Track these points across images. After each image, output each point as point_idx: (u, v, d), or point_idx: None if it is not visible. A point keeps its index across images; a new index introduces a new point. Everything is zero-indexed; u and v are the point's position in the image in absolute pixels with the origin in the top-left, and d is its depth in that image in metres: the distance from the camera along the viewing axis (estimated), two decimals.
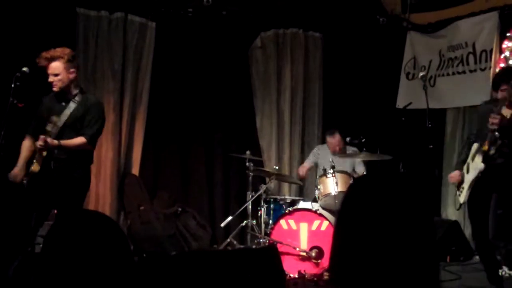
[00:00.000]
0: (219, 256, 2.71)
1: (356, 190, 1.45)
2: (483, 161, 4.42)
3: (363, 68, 7.47)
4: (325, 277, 5.16)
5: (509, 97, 4.32)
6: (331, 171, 5.62)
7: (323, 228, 5.41)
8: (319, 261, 5.33)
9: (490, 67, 6.33)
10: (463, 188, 4.71)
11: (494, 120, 4.26)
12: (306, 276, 5.19)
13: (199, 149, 7.11)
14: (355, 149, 6.36)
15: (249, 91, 7.35)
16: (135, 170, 6.65)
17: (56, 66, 4.45)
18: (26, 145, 4.59)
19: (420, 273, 1.32)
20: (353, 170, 6.33)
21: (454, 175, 4.75)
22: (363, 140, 6.28)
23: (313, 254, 5.33)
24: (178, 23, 6.86)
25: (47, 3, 6.05)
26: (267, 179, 6.51)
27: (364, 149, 6.18)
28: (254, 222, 6.02)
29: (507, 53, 6.19)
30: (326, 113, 7.51)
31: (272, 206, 6.00)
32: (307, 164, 6.61)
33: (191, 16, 6.80)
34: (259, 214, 6.05)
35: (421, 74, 4.90)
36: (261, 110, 7.35)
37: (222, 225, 6.08)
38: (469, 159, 4.65)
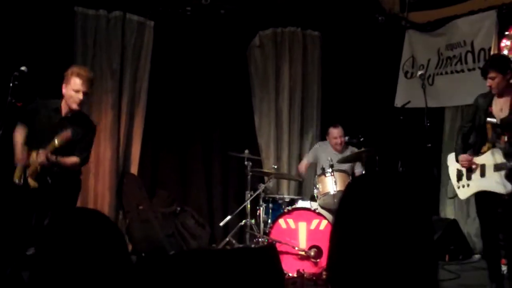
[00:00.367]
0: (218, 255, 2.71)
1: (354, 189, 1.45)
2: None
3: (362, 67, 7.48)
4: (324, 276, 5.17)
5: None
6: (330, 170, 5.62)
7: (321, 227, 5.41)
8: (317, 260, 5.33)
9: None
10: (468, 185, 4.67)
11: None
12: (305, 275, 5.19)
13: (198, 148, 7.11)
14: (354, 148, 6.37)
15: (248, 90, 7.35)
16: (134, 169, 6.65)
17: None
18: (21, 132, 4.53)
19: (419, 272, 1.32)
20: (352, 171, 6.34)
21: (465, 159, 4.64)
22: (361, 139, 6.28)
23: (312, 253, 5.33)
24: (176, 22, 6.85)
25: (45, 2, 6.04)
26: (265, 178, 6.52)
27: (363, 147, 6.19)
28: (253, 221, 6.02)
29: (505, 52, 6.20)
30: (325, 112, 7.51)
31: (271, 205, 6.01)
32: (306, 160, 6.62)
33: (189, 15, 6.80)
34: (258, 213, 6.05)
35: (419, 72, 4.90)
36: (259, 109, 7.35)
37: (221, 224, 6.08)
38: (489, 163, 4.51)
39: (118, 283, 1.45)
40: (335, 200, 5.58)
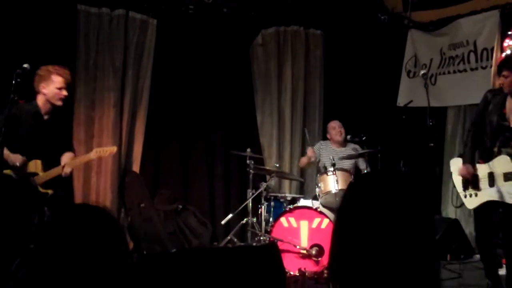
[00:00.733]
0: (219, 253, 2.71)
1: (356, 188, 1.45)
2: None
3: (364, 66, 7.47)
4: (325, 275, 5.17)
5: None
6: (332, 169, 5.63)
7: (323, 226, 5.41)
8: (319, 259, 5.33)
9: (491, 66, 6.32)
10: (476, 195, 4.52)
11: None
12: (307, 274, 5.20)
13: (200, 146, 7.11)
14: (356, 146, 6.37)
15: (250, 89, 7.35)
16: (136, 167, 6.65)
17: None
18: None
19: (421, 271, 1.32)
20: (356, 167, 6.34)
21: (467, 170, 4.52)
22: (363, 138, 6.29)
23: (314, 252, 5.33)
24: (179, 21, 6.85)
25: (48, 0, 6.05)
26: (267, 177, 6.52)
27: (365, 146, 6.19)
28: (255, 219, 6.02)
29: (508, 52, 6.19)
30: (327, 110, 7.50)
31: (272, 203, 6.01)
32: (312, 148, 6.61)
33: (192, 14, 6.80)
34: (259, 212, 6.06)
35: (422, 72, 4.89)
36: (261, 107, 7.35)
37: (223, 222, 6.09)
38: (497, 171, 4.36)
39: (119, 279, 1.45)
40: (337, 199, 5.58)
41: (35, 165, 4.60)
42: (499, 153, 4.34)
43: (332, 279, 1.40)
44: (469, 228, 6.56)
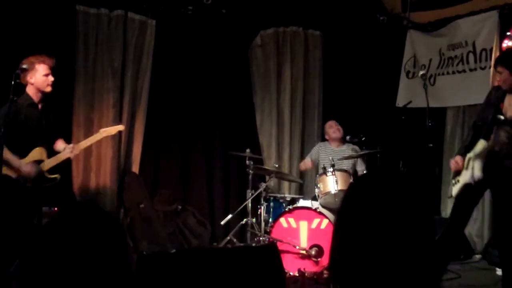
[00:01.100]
0: (218, 254, 2.71)
1: (356, 188, 1.45)
2: (489, 159, 4.36)
3: (363, 66, 7.48)
4: (325, 275, 5.17)
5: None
6: (331, 169, 5.63)
7: (323, 226, 5.41)
8: (318, 259, 5.33)
9: (490, 66, 6.32)
10: (458, 181, 4.66)
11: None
12: (306, 274, 5.19)
13: (199, 147, 7.11)
14: (355, 147, 6.37)
15: (249, 89, 7.35)
16: (135, 168, 6.65)
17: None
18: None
19: (420, 271, 1.32)
20: (354, 168, 6.34)
21: (456, 161, 4.66)
22: (363, 139, 6.29)
23: (313, 252, 5.33)
24: (178, 21, 6.85)
25: (47, 0, 6.05)
26: (267, 177, 6.52)
27: (364, 147, 6.19)
28: (254, 220, 6.01)
29: None
30: (326, 111, 7.50)
31: (272, 204, 6.01)
32: (309, 157, 6.62)
33: (191, 14, 6.79)
34: (259, 212, 6.06)
35: (421, 72, 4.90)
36: (261, 108, 7.35)
37: (222, 223, 6.08)
38: (472, 154, 4.54)
39: (118, 279, 1.45)
40: (336, 199, 5.58)
41: (40, 153, 4.77)
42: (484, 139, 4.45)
43: (333, 279, 1.40)
44: (468, 229, 6.56)
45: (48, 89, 4.79)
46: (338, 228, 1.42)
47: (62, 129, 5.23)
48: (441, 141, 7.08)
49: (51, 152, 4.92)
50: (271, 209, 5.98)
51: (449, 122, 7.12)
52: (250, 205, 5.99)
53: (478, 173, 4.38)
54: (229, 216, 6.04)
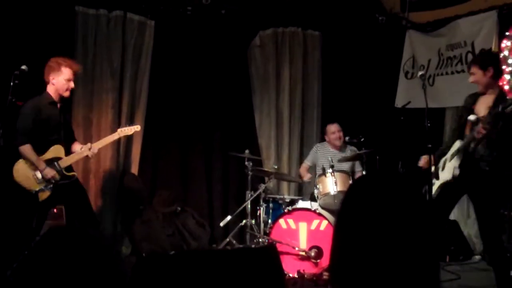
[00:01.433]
0: (218, 255, 2.70)
1: (355, 190, 1.45)
2: (464, 159, 4.42)
3: (362, 67, 7.47)
4: (324, 277, 5.16)
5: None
6: (330, 170, 5.62)
7: (322, 227, 5.41)
8: (318, 260, 5.32)
9: None
10: (434, 183, 4.70)
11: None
12: (305, 276, 5.19)
13: (198, 148, 7.10)
14: (354, 148, 6.37)
15: (248, 90, 7.34)
16: (134, 169, 6.64)
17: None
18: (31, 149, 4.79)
19: (420, 273, 1.31)
20: (353, 169, 6.34)
21: (423, 160, 4.81)
22: (361, 139, 6.28)
23: (312, 254, 5.33)
24: (177, 22, 6.85)
25: (46, 1, 6.04)
26: (266, 178, 6.51)
27: (363, 148, 6.19)
28: (253, 221, 6.01)
29: (506, 52, 6.19)
30: (325, 112, 7.50)
31: (271, 205, 6.00)
32: (306, 164, 6.61)
33: (190, 15, 6.79)
34: (258, 214, 6.04)
35: (420, 73, 4.89)
36: (260, 109, 7.35)
37: (221, 224, 6.07)
38: (448, 156, 4.64)
39: None
40: (336, 201, 5.58)
41: (58, 150, 4.87)
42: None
43: (333, 281, 1.40)
44: (467, 230, 6.56)
45: (67, 94, 4.89)
46: (338, 230, 1.41)
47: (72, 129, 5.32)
48: (440, 141, 7.05)
49: (68, 151, 4.99)
50: (271, 210, 5.97)
51: (448, 122, 7.10)
52: (249, 206, 5.98)
53: (456, 171, 4.44)
54: (228, 217, 6.03)
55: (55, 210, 5.64)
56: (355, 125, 6.78)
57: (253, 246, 5.82)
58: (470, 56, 6.61)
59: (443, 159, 4.70)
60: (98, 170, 6.39)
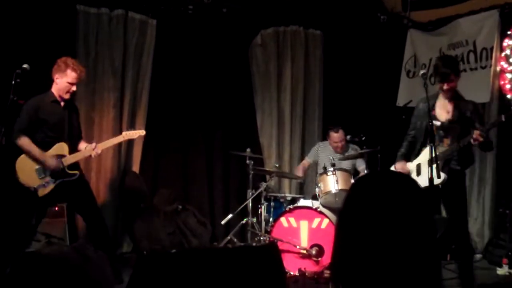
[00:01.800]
0: (219, 253, 2.71)
1: (358, 189, 1.45)
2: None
3: (364, 66, 7.47)
4: (325, 275, 5.17)
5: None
6: (332, 169, 5.62)
7: (323, 226, 5.41)
8: (319, 259, 5.33)
9: (490, 65, 6.33)
10: None
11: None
12: (307, 274, 5.20)
13: (200, 146, 7.11)
14: (355, 146, 6.37)
15: (250, 89, 7.34)
16: (136, 167, 6.65)
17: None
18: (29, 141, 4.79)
19: (422, 271, 1.32)
20: (354, 168, 6.33)
21: (400, 167, 4.91)
22: (363, 138, 6.28)
23: (314, 252, 5.33)
24: (178, 21, 6.85)
25: (48, 0, 6.04)
26: (267, 177, 6.52)
27: (365, 147, 6.19)
28: (255, 219, 6.02)
29: (507, 51, 6.19)
30: (327, 111, 7.50)
31: (272, 203, 6.01)
32: (306, 161, 6.61)
33: (191, 14, 6.79)
34: (259, 212, 6.06)
35: (421, 72, 4.88)
36: (261, 107, 7.35)
37: (223, 222, 6.08)
38: (421, 160, 4.76)
39: None
40: (337, 199, 5.58)
41: (62, 148, 4.88)
42: (425, 146, 4.66)
43: (334, 279, 1.40)
44: (469, 228, 6.56)
45: (67, 96, 4.88)
46: (340, 229, 1.42)
47: (80, 129, 5.31)
48: None
49: (73, 150, 4.99)
50: (272, 209, 5.97)
51: None
52: (250, 204, 5.99)
53: (443, 175, 4.51)
54: (230, 215, 6.04)
55: (56, 208, 5.66)
56: (356, 124, 6.78)
57: (254, 244, 5.83)
58: (471, 55, 6.61)
59: (415, 163, 4.83)
60: (99, 168, 6.40)
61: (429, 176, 4.17)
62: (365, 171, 6.26)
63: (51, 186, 4.78)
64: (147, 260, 2.36)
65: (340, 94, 7.54)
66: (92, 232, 4.99)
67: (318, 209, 5.49)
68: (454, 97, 4.67)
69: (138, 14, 6.60)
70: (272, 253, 2.65)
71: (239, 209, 6.09)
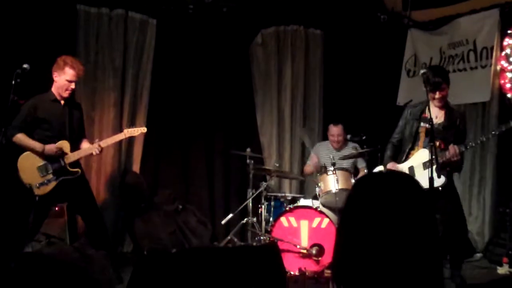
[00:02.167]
0: (219, 253, 2.71)
1: (359, 189, 1.45)
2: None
3: (364, 65, 7.46)
4: (326, 275, 5.16)
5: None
6: (332, 168, 5.62)
7: (323, 225, 5.40)
8: (319, 258, 5.32)
9: (491, 64, 6.33)
10: None
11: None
12: (307, 274, 5.18)
13: (200, 146, 7.11)
14: (355, 144, 6.37)
15: (250, 88, 7.34)
16: (136, 167, 6.65)
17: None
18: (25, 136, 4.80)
19: (424, 270, 1.32)
20: (355, 167, 6.34)
21: (393, 166, 4.92)
22: (363, 137, 6.28)
23: (314, 252, 5.33)
24: (178, 20, 6.85)
25: (48, 0, 6.04)
26: (267, 177, 6.51)
27: (365, 146, 6.19)
28: (255, 219, 6.01)
29: (508, 51, 6.19)
30: (327, 110, 7.50)
31: (272, 203, 6.00)
32: (315, 156, 6.60)
33: (191, 13, 6.79)
34: (259, 212, 6.05)
35: (421, 71, 4.88)
36: (261, 107, 7.34)
37: (223, 222, 6.08)
38: (413, 163, 4.79)
39: None
40: (337, 198, 5.57)
41: (63, 146, 4.88)
42: (418, 149, 4.77)
43: (335, 279, 1.40)
44: (469, 227, 6.56)
45: (66, 94, 4.88)
46: (342, 229, 1.42)
47: (83, 127, 5.30)
48: None
49: (75, 149, 4.99)
50: (272, 208, 5.97)
51: None
52: (250, 204, 5.99)
53: (442, 179, 4.55)
54: (230, 215, 6.04)
55: (56, 208, 5.66)
56: (357, 123, 6.77)
57: (254, 244, 5.82)
58: (472, 54, 6.61)
59: (407, 166, 4.83)
60: (99, 167, 6.40)
61: (429, 176, 4.17)
62: (366, 170, 6.27)
63: (53, 184, 4.78)
64: (147, 259, 2.36)
65: (341, 94, 7.54)
66: (91, 232, 4.99)
67: (318, 209, 5.49)
68: (445, 106, 4.80)
69: (138, 14, 6.60)
70: (272, 252, 2.66)
71: (239, 208, 6.09)
